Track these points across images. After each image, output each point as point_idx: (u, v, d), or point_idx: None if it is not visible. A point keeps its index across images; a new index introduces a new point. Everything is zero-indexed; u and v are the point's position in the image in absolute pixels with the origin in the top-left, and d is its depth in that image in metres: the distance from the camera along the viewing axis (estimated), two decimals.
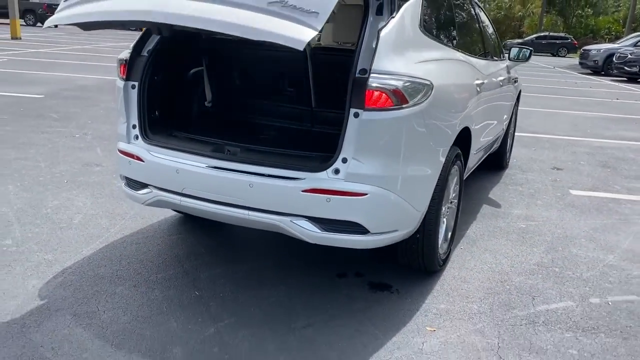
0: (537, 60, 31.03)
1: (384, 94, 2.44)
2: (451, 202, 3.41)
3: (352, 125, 2.46)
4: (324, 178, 2.51)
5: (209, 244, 3.55)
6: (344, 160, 2.49)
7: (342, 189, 2.49)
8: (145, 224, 3.77)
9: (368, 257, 3.42)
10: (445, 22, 3.38)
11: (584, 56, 21.79)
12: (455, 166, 3.25)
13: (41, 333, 2.45)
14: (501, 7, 52.94)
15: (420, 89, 2.56)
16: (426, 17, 2.98)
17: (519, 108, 6.23)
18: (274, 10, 2.16)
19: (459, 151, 3.23)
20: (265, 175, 2.57)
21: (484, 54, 4.19)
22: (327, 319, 2.70)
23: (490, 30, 4.82)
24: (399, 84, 2.47)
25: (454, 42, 3.40)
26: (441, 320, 2.77)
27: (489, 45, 4.42)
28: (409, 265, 3.17)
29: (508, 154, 5.95)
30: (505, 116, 5.11)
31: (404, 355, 2.45)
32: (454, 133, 2.98)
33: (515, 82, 5.42)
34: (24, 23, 31.01)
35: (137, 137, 2.94)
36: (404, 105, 2.49)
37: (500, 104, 4.70)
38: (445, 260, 3.35)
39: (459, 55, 3.33)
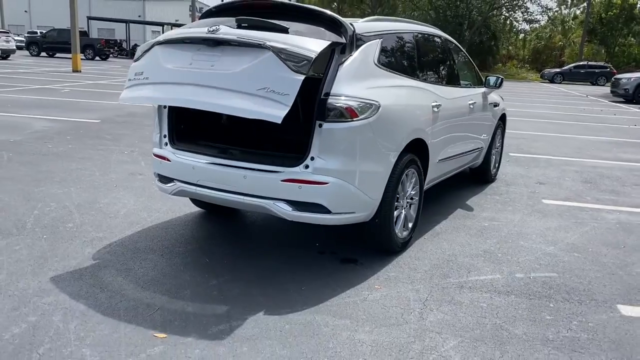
0: (572, 89, 31.26)
1: (339, 111, 3.39)
2: (412, 199, 4.28)
3: (317, 133, 3.41)
4: (297, 171, 3.45)
5: (222, 230, 4.53)
6: (312, 159, 3.43)
7: (310, 179, 3.42)
8: (174, 216, 4.78)
9: (344, 239, 4.32)
10: (402, 58, 4.29)
11: (615, 84, 22.10)
12: (412, 169, 4.13)
13: (93, 279, 3.45)
14: (541, 37, 53.20)
15: (368, 107, 3.50)
16: (383, 54, 3.92)
17: (505, 130, 7.01)
18: (260, 95, 3.18)
19: (414, 157, 4.11)
20: (256, 170, 3.54)
21: (449, 82, 5.07)
22: (302, 278, 3.61)
23: (463, 63, 5.71)
24: (351, 103, 3.41)
25: (412, 72, 4.30)
26: (388, 282, 3.63)
27: (456, 75, 5.29)
28: (372, 246, 4.05)
29: (494, 170, 6.73)
30: (483, 135, 5.94)
31: (351, 301, 3.32)
32: (403, 141, 3.87)
33: (496, 106, 6.25)
34: (84, 57, 33.47)
35: (166, 144, 3.96)
36: (354, 119, 3.43)
37: (475, 124, 5.55)
38: (405, 244, 4.21)
39: (414, 82, 4.22)
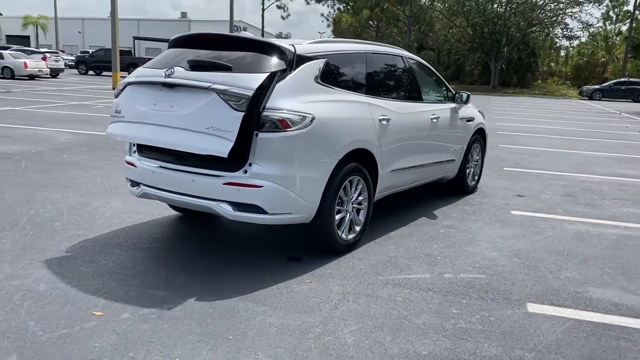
0: (609, 105, 30.67)
1: (273, 122, 3.82)
2: (360, 204, 4.65)
3: (255, 142, 3.84)
4: (237, 176, 3.89)
5: (189, 232, 5.00)
6: (250, 165, 3.87)
7: (246, 182, 3.86)
8: (152, 218, 5.28)
9: (295, 241, 4.71)
10: (349, 75, 4.67)
11: None
12: (357, 177, 4.51)
13: (59, 268, 3.96)
14: (583, 54, 52.25)
15: (302, 119, 3.91)
16: (327, 72, 4.33)
17: (486, 144, 7.25)
18: (209, 132, 3.73)
19: (359, 166, 4.48)
20: (202, 174, 4.00)
21: (406, 98, 5.41)
22: (244, 273, 4.01)
23: (429, 80, 6.06)
24: (284, 115, 3.84)
25: (358, 88, 4.67)
26: (321, 277, 4.00)
27: (417, 91, 5.62)
28: (317, 246, 4.43)
29: (474, 182, 6.99)
30: (454, 148, 6.24)
31: (278, 292, 3.71)
32: (342, 151, 4.24)
33: (469, 121, 6.54)
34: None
35: (134, 152, 4.47)
36: (287, 130, 3.85)
37: (441, 137, 5.87)
38: (351, 246, 4.57)
39: (359, 97, 4.59)
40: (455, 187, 6.77)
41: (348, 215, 4.53)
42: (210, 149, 3.74)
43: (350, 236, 4.58)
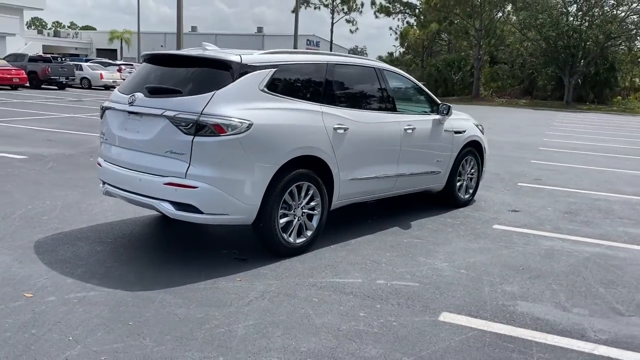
0: None
1: (209, 128, 4.07)
2: (313, 210, 4.79)
3: (192, 145, 4.11)
4: (175, 177, 4.17)
5: (160, 231, 5.33)
6: (189, 166, 4.14)
7: (182, 183, 4.12)
8: (133, 216, 5.66)
9: (247, 242, 4.91)
10: (301, 84, 4.83)
11: None
12: (307, 183, 4.67)
13: (21, 255, 4.38)
14: None
15: (237, 125, 4.13)
16: (275, 81, 4.53)
17: (483, 157, 7.13)
18: (167, 156, 4.17)
19: (309, 172, 4.64)
20: (147, 174, 4.31)
21: (374, 108, 5.49)
22: (186, 269, 4.26)
23: (407, 91, 6.11)
24: (219, 121, 4.08)
25: (311, 97, 4.82)
26: (253, 277, 4.17)
27: (388, 101, 5.67)
28: (264, 247, 4.62)
29: (467, 195, 6.91)
30: (437, 160, 6.22)
31: (203, 287, 3.93)
32: (284, 157, 4.41)
33: (459, 133, 6.50)
34: None
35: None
36: (221, 134, 4.09)
37: (418, 148, 5.90)
38: (301, 250, 4.71)
39: (311, 106, 4.73)
40: (444, 199, 6.73)
41: (296, 219, 4.68)
42: (170, 171, 4.19)
43: (299, 240, 4.73)
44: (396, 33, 54.58)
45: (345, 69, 5.32)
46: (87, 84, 30.32)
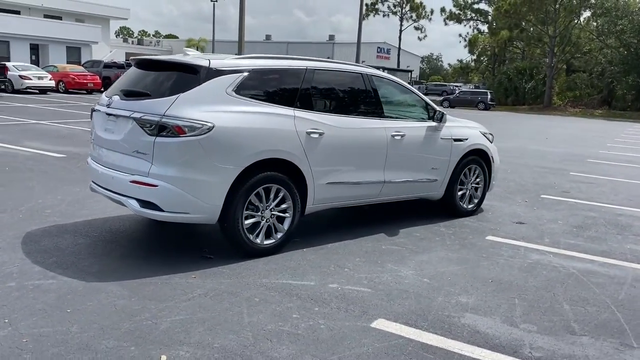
0: None
1: (169, 129, 4.25)
2: (284, 212, 4.87)
3: (154, 146, 4.31)
4: (139, 175, 4.38)
5: (145, 229, 5.57)
6: (151, 166, 4.33)
7: (145, 181, 4.32)
8: (128, 214, 5.95)
9: (216, 241, 5.05)
10: (274, 89, 4.90)
11: None
12: (276, 185, 4.75)
13: (4, 243, 4.74)
14: None
15: (197, 127, 4.29)
16: (246, 85, 4.64)
17: (491, 167, 6.90)
18: (134, 155, 4.41)
19: (279, 175, 4.72)
20: (118, 172, 4.55)
21: (354, 113, 5.46)
22: (150, 266, 4.46)
23: (396, 98, 6.05)
24: (179, 123, 4.25)
25: (284, 102, 4.88)
26: (210, 275, 4.29)
27: (375, 107, 5.63)
28: (232, 247, 4.74)
29: (472, 205, 6.72)
30: (432, 167, 6.11)
31: (154, 281, 4.09)
32: (248, 159, 4.50)
33: (458, 141, 6.35)
34: None
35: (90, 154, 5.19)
36: (182, 136, 4.26)
37: (408, 155, 5.82)
38: (270, 251, 4.79)
39: (283, 110, 4.79)
40: (446, 207, 6.59)
41: (264, 221, 4.77)
42: (135, 170, 4.42)
43: (268, 242, 4.81)
44: (465, 40, 53.37)
45: (326, 74, 5.36)
46: None
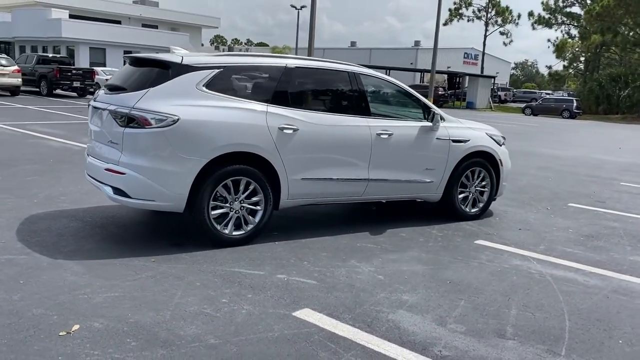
0: None
1: (136, 120, 4.55)
2: (255, 205, 5.02)
3: (123, 136, 4.62)
4: (112, 164, 4.70)
5: (140, 217, 5.92)
6: (120, 155, 4.65)
7: (115, 169, 4.65)
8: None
9: (190, 231, 5.28)
10: (247, 85, 5.07)
11: None
12: (246, 179, 4.91)
13: (8, 222, 5.23)
14: None
15: (163, 119, 4.54)
16: (215, 81, 4.84)
17: (499, 171, 6.64)
18: (109, 145, 4.79)
19: (249, 168, 4.88)
20: (98, 160, 4.91)
21: (335, 111, 5.50)
22: (119, 250, 4.77)
23: (387, 97, 6.01)
24: (145, 115, 4.53)
25: (259, 98, 5.02)
26: (169, 260, 4.52)
27: (358, 105, 5.63)
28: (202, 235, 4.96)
29: (474, 209, 6.52)
30: (426, 168, 6.01)
31: (111, 263, 4.38)
32: (214, 152, 4.69)
33: (458, 142, 6.19)
34: None
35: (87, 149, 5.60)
36: (147, 127, 4.53)
37: (400, 155, 5.78)
38: (237, 241, 4.95)
39: (255, 106, 4.93)
40: (446, 210, 6.45)
41: (233, 212, 4.94)
42: (109, 159, 4.79)
43: (237, 233, 4.98)
44: (554, 45, 50.87)
45: (307, 72, 5.46)
46: None
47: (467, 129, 6.42)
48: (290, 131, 5.09)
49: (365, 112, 5.68)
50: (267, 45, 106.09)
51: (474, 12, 56.96)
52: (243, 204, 4.99)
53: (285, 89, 5.24)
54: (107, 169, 4.73)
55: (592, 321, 3.87)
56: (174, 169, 4.64)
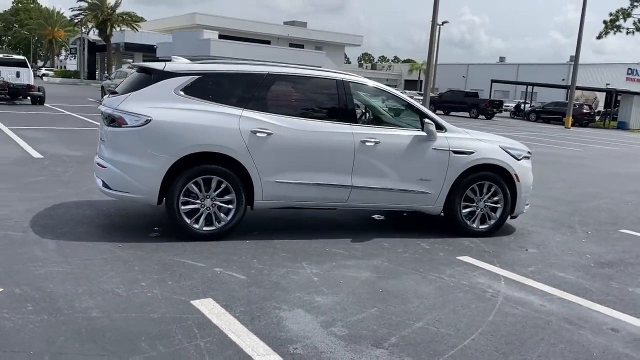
0: None
1: (115, 119, 5.12)
2: (228, 203, 5.33)
3: (107, 133, 5.22)
4: (100, 158, 5.32)
5: (145, 208, 6.52)
6: (105, 150, 5.26)
7: (100, 162, 5.26)
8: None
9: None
10: (224, 91, 5.33)
11: None
12: (217, 177, 5.25)
13: (49, 207, 6.11)
14: None
15: (137, 119, 5.06)
16: (193, 86, 5.25)
17: (516, 187, 6.20)
18: (101, 142, 5.43)
19: (220, 167, 5.21)
20: (96, 157, 5.57)
21: (315, 117, 5.59)
22: (105, 235, 5.37)
23: (377, 105, 5.93)
24: (122, 115, 5.09)
25: (235, 102, 5.31)
26: (136, 247, 4.98)
27: (342, 112, 5.65)
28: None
29: (482, 225, 6.15)
30: (419, 179, 5.83)
31: (90, 246, 4.96)
32: (183, 151, 5.08)
33: (460, 153, 5.91)
34: (469, 115, 37.38)
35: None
36: (123, 126, 5.08)
37: (389, 163, 5.71)
38: (208, 236, 5.28)
39: (229, 110, 5.21)
40: (449, 224, 6.19)
41: (204, 209, 5.30)
42: (100, 155, 5.41)
43: (207, 228, 5.32)
44: None
45: (289, 80, 5.67)
46: None
47: (474, 141, 6.11)
48: (264, 135, 5.32)
49: (350, 119, 5.71)
50: (414, 62, 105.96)
51: (634, 23, 51.59)
52: (215, 202, 5.31)
53: (263, 95, 5.50)
54: (97, 163, 5.36)
55: (499, 343, 3.58)
56: (146, 164, 5.11)
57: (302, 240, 5.58)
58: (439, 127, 5.97)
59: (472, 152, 6.00)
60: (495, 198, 6.21)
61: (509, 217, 6.40)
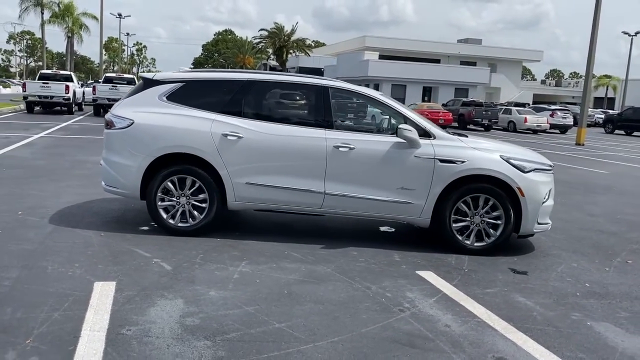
0: None
1: (108, 122, 5.81)
2: (202, 203, 5.69)
3: (104, 135, 5.93)
4: (102, 157, 6.06)
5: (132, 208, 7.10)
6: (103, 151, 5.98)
7: (100, 162, 5.99)
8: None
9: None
10: (204, 97, 5.66)
11: None
12: (190, 177, 5.65)
13: (79, 195, 7.10)
14: None
15: (122, 122, 5.68)
16: (176, 93, 5.72)
17: (521, 202, 5.55)
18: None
19: (192, 168, 5.60)
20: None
21: (283, 122, 5.67)
22: (102, 224, 6.07)
23: (360, 111, 5.72)
24: (112, 118, 5.76)
25: (210, 108, 5.61)
26: (114, 238, 5.58)
27: (320, 118, 5.61)
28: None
29: (479, 243, 5.62)
30: (399, 187, 5.53)
31: (79, 233, 5.68)
32: (158, 151, 5.53)
33: (446, 162, 5.49)
34: (604, 131, 32.50)
35: None
36: (112, 128, 5.75)
37: (364, 170, 5.55)
38: (181, 231, 5.69)
39: (203, 114, 5.54)
40: (439, 238, 5.77)
41: (179, 206, 5.71)
42: (103, 157, 6.09)
43: (182, 224, 5.72)
44: None
45: (268, 86, 5.86)
46: (512, 127, 31.79)
47: (466, 149, 5.61)
48: (234, 138, 5.57)
49: (325, 124, 5.68)
50: (602, 77, 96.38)
51: None
52: (190, 200, 5.68)
53: (239, 101, 5.76)
54: (100, 163, 6.10)
55: (342, 352, 3.34)
56: (128, 163, 5.70)
57: (272, 242, 5.66)
58: (426, 134, 5.63)
59: (463, 162, 5.54)
60: (495, 213, 5.62)
61: (515, 236, 5.74)
